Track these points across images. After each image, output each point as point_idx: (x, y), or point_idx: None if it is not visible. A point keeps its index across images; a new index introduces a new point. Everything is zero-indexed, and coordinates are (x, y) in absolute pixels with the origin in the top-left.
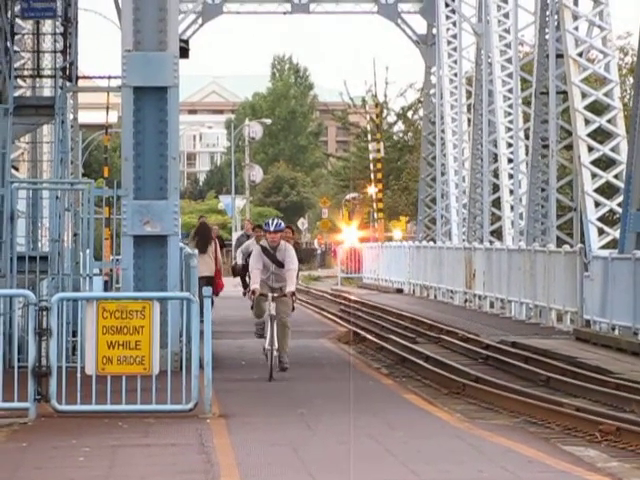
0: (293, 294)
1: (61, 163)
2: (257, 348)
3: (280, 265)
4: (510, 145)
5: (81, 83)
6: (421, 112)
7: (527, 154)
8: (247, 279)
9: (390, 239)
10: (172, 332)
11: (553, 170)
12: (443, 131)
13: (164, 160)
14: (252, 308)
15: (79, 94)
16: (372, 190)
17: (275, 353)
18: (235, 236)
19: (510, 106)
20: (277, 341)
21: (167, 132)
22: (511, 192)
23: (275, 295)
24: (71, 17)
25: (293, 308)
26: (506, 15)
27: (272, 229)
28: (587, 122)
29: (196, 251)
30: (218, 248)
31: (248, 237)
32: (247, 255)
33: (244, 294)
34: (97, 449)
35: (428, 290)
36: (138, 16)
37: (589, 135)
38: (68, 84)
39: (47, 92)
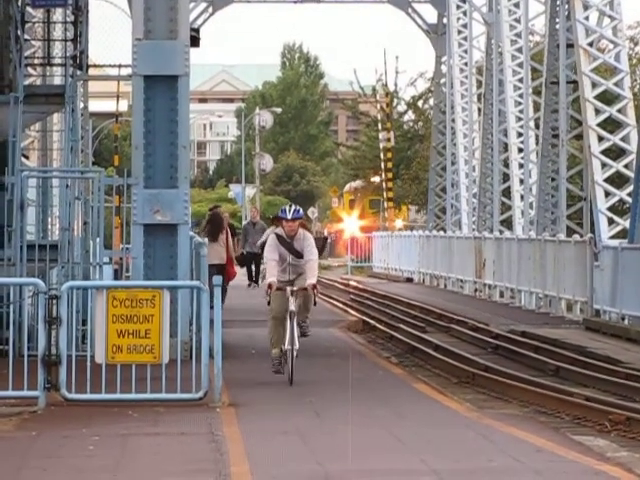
0: (314, 287)
1: (71, 151)
2: (266, 337)
3: (299, 255)
4: (520, 135)
5: (91, 72)
6: (431, 101)
7: (537, 144)
8: (253, 269)
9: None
10: (182, 321)
11: (563, 160)
12: (453, 120)
13: (174, 149)
14: (269, 304)
15: (89, 82)
16: (376, 179)
17: (295, 352)
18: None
19: (520, 96)
20: (299, 312)
21: (177, 121)
22: (521, 181)
23: (294, 289)
24: (82, 5)
25: (315, 302)
26: (516, 4)
27: (290, 216)
28: (597, 112)
29: (206, 240)
30: (230, 236)
31: (254, 225)
32: (262, 246)
33: (249, 285)
34: (107, 438)
35: (438, 279)
36: (149, 5)
37: (599, 125)
38: (78, 72)
39: (57, 80)
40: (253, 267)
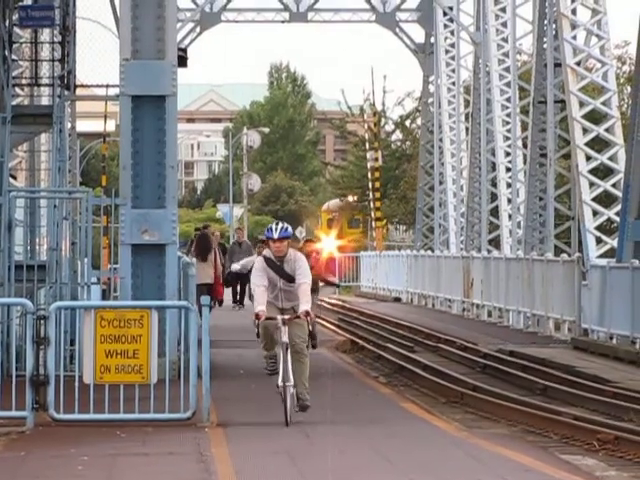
0: (308, 314)
1: (59, 172)
2: (255, 357)
3: (290, 279)
4: (508, 154)
5: (79, 92)
6: (419, 121)
7: (525, 163)
8: (237, 290)
9: (367, 248)
10: (170, 341)
11: (551, 179)
12: (441, 140)
13: (162, 169)
14: (258, 336)
15: (77, 103)
16: (352, 198)
17: (292, 390)
18: None
19: (508, 115)
20: (293, 375)
21: (165, 141)
22: (509, 201)
23: (286, 317)
24: (69, 26)
25: (313, 333)
26: (504, 24)
27: (276, 235)
28: (585, 131)
29: (194, 260)
30: (219, 256)
31: (240, 245)
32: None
33: (233, 307)
34: (95, 458)
35: (426, 299)
36: (136, 25)
37: (587, 144)
38: (66, 93)
39: (45, 101)
40: (238, 288)
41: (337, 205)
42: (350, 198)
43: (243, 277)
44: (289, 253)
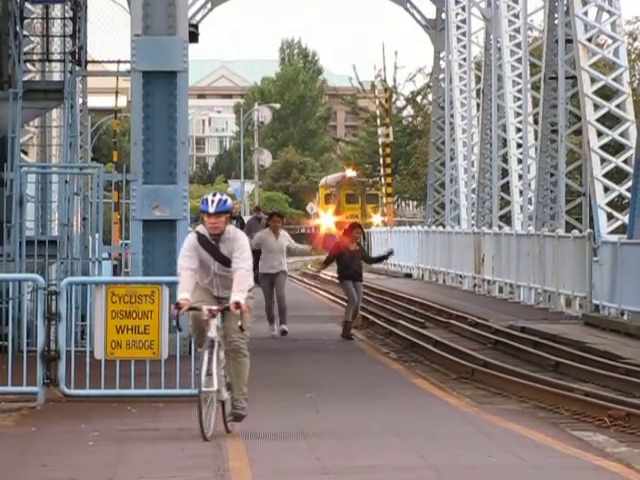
0: (238, 306)
1: (70, 147)
2: (266, 332)
3: (226, 262)
4: (519, 130)
5: (90, 67)
6: (430, 97)
7: (536, 139)
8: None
9: (369, 225)
10: (181, 316)
11: (562, 155)
12: (452, 116)
13: (173, 145)
14: (179, 330)
15: (88, 78)
16: (351, 172)
17: (225, 396)
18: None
19: (519, 91)
20: (230, 377)
21: (176, 117)
22: (520, 177)
23: (214, 308)
24: (80, 1)
25: (241, 329)
26: (515, 0)
27: (212, 209)
28: (596, 107)
29: None
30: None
31: (259, 220)
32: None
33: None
34: (106, 433)
35: (437, 275)
36: (147, 1)
37: (598, 120)
38: (77, 68)
39: (56, 76)
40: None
41: (335, 180)
42: (349, 173)
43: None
44: (227, 230)
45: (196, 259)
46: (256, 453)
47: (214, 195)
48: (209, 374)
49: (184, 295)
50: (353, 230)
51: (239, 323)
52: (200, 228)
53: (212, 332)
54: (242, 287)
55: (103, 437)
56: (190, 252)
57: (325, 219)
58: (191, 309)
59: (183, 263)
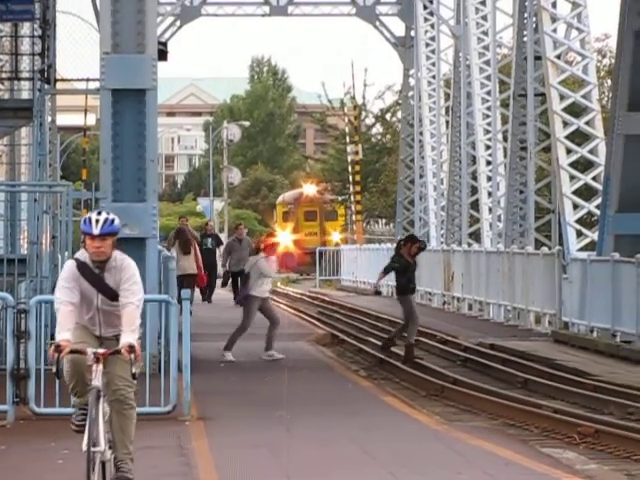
0: (132, 349)
1: (39, 166)
2: (236, 350)
3: (112, 296)
4: (488, 147)
5: (59, 86)
6: (399, 114)
7: (505, 156)
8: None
9: (325, 243)
10: (150, 334)
11: (531, 172)
12: (421, 133)
13: (142, 162)
14: (58, 376)
15: (57, 96)
16: (309, 189)
17: (108, 455)
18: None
19: (488, 108)
20: (112, 433)
21: (145, 135)
22: (489, 194)
23: (100, 352)
24: (49, 19)
25: (134, 376)
26: (484, 17)
27: (97, 231)
28: (565, 124)
29: (174, 253)
30: (197, 247)
31: (240, 242)
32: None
33: (236, 304)
34: (76, 452)
35: None
36: (116, 18)
37: (567, 137)
38: (46, 87)
39: (25, 95)
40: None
41: (293, 197)
42: (306, 190)
43: (240, 274)
44: (114, 257)
45: (77, 291)
46: (226, 471)
47: (99, 213)
48: (95, 431)
49: (65, 335)
50: (412, 245)
51: (133, 370)
52: (81, 254)
53: (98, 380)
54: (133, 326)
55: (73, 455)
56: (69, 283)
57: (283, 237)
58: (72, 352)
59: (61, 296)
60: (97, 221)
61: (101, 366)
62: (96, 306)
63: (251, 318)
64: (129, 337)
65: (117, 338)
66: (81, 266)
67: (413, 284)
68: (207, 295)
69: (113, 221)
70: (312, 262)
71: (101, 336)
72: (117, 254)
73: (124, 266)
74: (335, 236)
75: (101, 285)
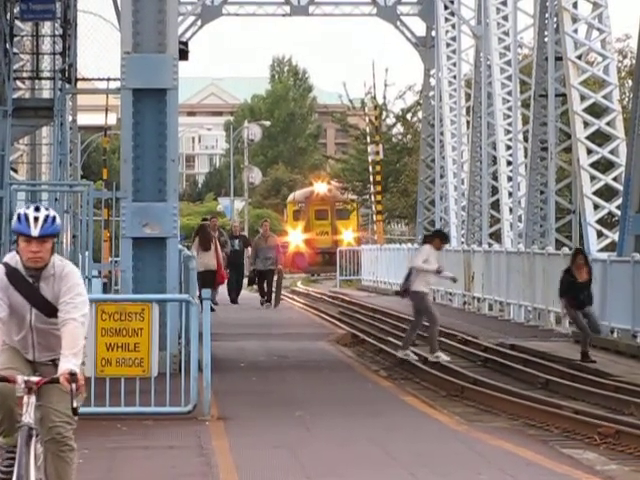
0: (73, 378)
1: (60, 165)
2: (257, 350)
3: (49, 311)
4: (509, 147)
5: (80, 85)
6: (420, 114)
7: (526, 156)
8: (264, 287)
9: (337, 243)
10: (171, 334)
11: (552, 172)
12: (442, 133)
13: (163, 162)
14: None
15: (78, 96)
16: (320, 187)
17: None
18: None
19: (509, 108)
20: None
21: (166, 134)
22: (510, 194)
23: (34, 380)
24: (70, 19)
25: (75, 410)
26: (505, 17)
27: (36, 232)
28: (586, 124)
29: (194, 251)
30: (219, 245)
31: (266, 240)
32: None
33: (261, 304)
34: (96, 451)
35: None
36: (137, 18)
37: (588, 138)
38: (67, 86)
39: (46, 94)
40: (265, 285)
41: (303, 195)
42: (317, 188)
43: (267, 273)
44: (52, 263)
45: (5, 305)
46: (246, 470)
47: (36, 209)
48: (26, 475)
49: None
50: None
51: (75, 404)
52: (11, 258)
53: (30, 416)
54: (75, 349)
55: (93, 455)
56: None
57: (294, 236)
58: (2, 380)
59: None
60: (36, 219)
61: (34, 398)
62: (29, 324)
63: (433, 311)
64: (70, 362)
65: (55, 363)
66: (12, 273)
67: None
68: (234, 296)
69: (54, 219)
70: (323, 262)
71: (35, 361)
72: (56, 259)
73: (65, 274)
74: (347, 235)
75: (36, 298)
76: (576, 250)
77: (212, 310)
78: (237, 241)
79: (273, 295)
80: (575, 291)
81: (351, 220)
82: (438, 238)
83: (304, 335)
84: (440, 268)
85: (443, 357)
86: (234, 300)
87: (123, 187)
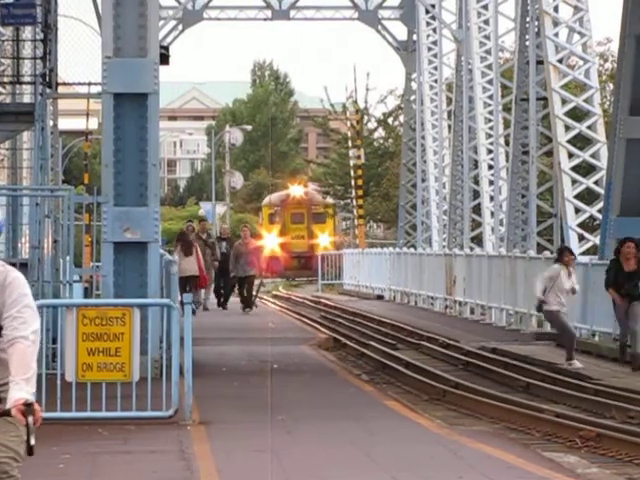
0: (28, 409)
1: (41, 170)
2: (238, 354)
3: None
4: (490, 151)
5: (61, 90)
6: (402, 118)
7: (507, 160)
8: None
9: (313, 247)
10: (152, 339)
11: (533, 176)
12: (423, 137)
13: (144, 167)
14: None
15: (59, 101)
16: (296, 190)
17: None
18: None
19: (490, 112)
20: None
21: (147, 139)
22: (491, 198)
23: None
24: (51, 24)
25: (30, 450)
26: (486, 22)
27: None
28: (567, 128)
29: (176, 257)
30: (199, 250)
31: (246, 245)
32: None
33: (244, 310)
34: (77, 456)
35: (409, 296)
36: (118, 22)
37: (569, 141)
38: (48, 91)
39: (27, 99)
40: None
41: (279, 199)
42: (293, 191)
43: (247, 279)
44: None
45: None
46: (228, 475)
47: None
48: None
49: None
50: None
51: (32, 441)
52: None
53: None
54: (28, 374)
55: (74, 459)
56: None
57: (269, 240)
58: None
59: None
60: None
61: None
62: None
63: (567, 328)
64: (22, 390)
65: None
66: None
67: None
68: (222, 301)
69: None
70: (299, 266)
71: None
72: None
73: (8, 283)
74: (323, 239)
75: None
76: (625, 238)
77: (193, 313)
78: (224, 243)
79: (254, 299)
80: (620, 280)
81: (327, 224)
82: (560, 254)
83: (286, 339)
84: (568, 287)
85: (576, 364)
86: (224, 305)
87: (104, 192)
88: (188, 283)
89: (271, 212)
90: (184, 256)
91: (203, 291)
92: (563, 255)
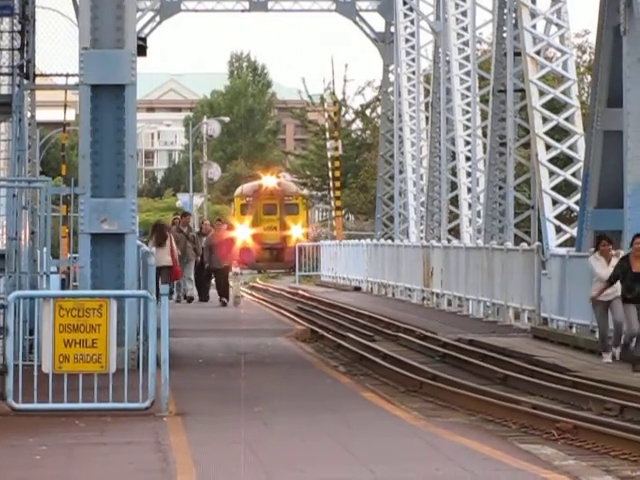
0: None
1: (18, 161)
2: (215, 346)
3: None
4: (468, 143)
5: (39, 81)
6: (379, 110)
7: (485, 152)
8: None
9: (285, 239)
10: (129, 330)
11: (511, 168)
12: (401, 129)
13: (122, 158)
14: None
15: (37, 92)
16: (268, 181)
17: None
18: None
19: (468, 104)
20: None
21: (125, 130)
22: (469, 190)
23: None
24: (28, 15)
25: None
26: (464, 13)
27: None
28: (545, 120)
29: (153, 248)
30: (174, 242)
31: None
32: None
33: (223, 304)
34: (54, 447)
35: (386, 288)
36: (96, 14)
37: (547, 133)
38: (25, 82)
39: (4, 90)
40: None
41: (252, 189)
42: (266, 181)
43: (222, 271)
44: None
45: None
46: (204, 467)
47: None
48: None
49: None
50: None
51: None
52: None
53: None
54: None
55: (51, 451)
56: None
57: (241, 231)
58: None
59: None
60: None
61: None
62: None
63: (599, 319)
64: None
65: None
66: None
67: (634, 293)
68: (203, 294)
69: None
70: (271, 258)
71: None
72: None
73: None
74: (296, 231)
75: None
76: (637, 234)
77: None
78: (205, 239)
79: (230, 290)
80: (628, 281)
81: (300, 215)
82: (597, 243)
83: (263, 331)
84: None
85: (606, 358)
86: (204, 298)
87: (81, 183)
88: (161, 274)
89: (243, 203)
90: (157, 246)
91: (183, 281)
92: (599, 244)
